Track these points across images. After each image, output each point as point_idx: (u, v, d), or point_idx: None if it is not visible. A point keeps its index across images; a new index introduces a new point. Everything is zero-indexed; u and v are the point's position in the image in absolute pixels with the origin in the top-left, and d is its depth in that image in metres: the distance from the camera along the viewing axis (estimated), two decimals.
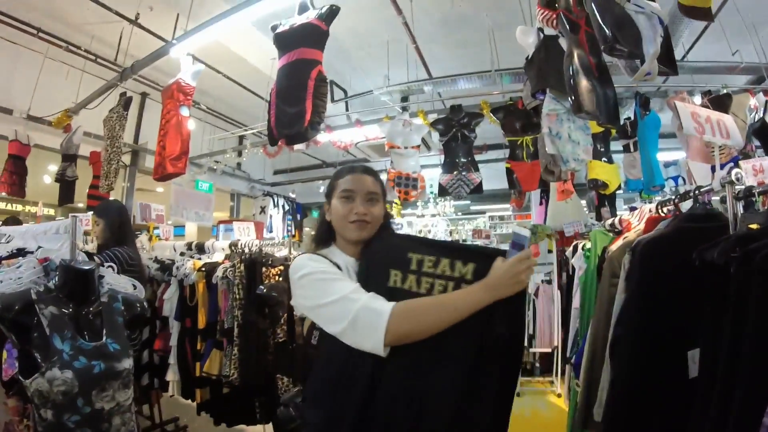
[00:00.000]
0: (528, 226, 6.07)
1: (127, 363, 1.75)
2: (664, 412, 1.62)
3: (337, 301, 1.39)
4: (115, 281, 1.94)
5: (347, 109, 6.26)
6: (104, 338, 1.71)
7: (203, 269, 3.50)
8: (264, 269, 3.27)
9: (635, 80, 2.16)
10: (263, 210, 9.17)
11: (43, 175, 8.06)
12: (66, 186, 5.68)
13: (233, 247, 3.53)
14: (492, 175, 5.15)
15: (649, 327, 1.67)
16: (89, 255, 2.04)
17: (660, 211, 2.23)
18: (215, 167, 7.65)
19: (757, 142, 4.47)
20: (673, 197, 2.14)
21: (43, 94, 5.63)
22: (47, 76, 5.60)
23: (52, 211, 8.96)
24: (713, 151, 4.13)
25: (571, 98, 2.40)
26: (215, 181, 7.54)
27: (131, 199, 6.93)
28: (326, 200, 1.69)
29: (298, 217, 10.06)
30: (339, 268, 1.53)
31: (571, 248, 3.84)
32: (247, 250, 3.38)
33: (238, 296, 3.16)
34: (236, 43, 5.59)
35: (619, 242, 2.36)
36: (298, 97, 3.10)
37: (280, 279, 3.26)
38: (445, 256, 1.48)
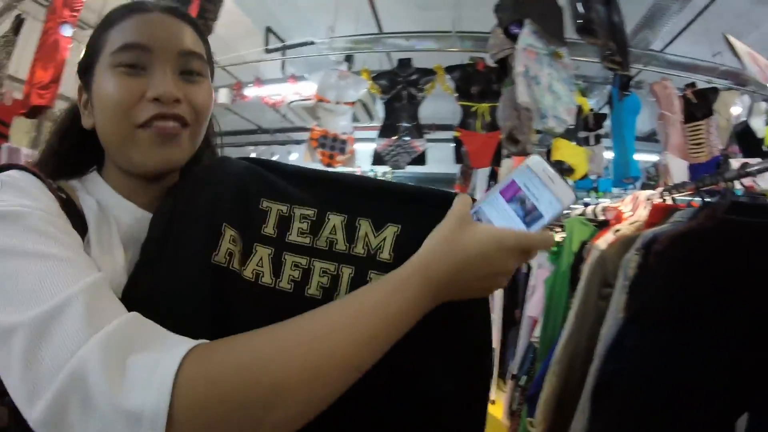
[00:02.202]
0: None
1: None
2: None
3: (16, 331, 0.48)
4: None
5: (283, 64, 5.49)
6: None
7: None
8: None
9: None
10: None
11: None
12: None
13: None
14: (437, 158, 4.58)
15: (671, 369, 1.09)
16: None
17: (668, 198, 1.78)
18: None
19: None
20: (697, 180, 1.68)
21: None
22: None
23: None
24: (694, 148, 3.84)
25: (576, 17, 1.97)
26: None
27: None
28: (80, 78, 0.78)
29: None
30: (80, 218, 0.68)
31: None
32: None
33: None
34: None
35: (608, 236, 1.82)
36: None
37: None
38: (338, 206, 0.74)
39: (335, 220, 0.73)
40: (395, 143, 3.86)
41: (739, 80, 4.96)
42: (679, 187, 1.78)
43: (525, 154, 3.01)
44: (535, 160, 0.67)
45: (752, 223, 1.20)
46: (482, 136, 3.67)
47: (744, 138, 4.25)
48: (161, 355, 0.49)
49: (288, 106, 5.81)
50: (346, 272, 0.72)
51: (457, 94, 3.82)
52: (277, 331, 0.55)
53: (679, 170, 3.73)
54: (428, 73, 3.94)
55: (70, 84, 3.77)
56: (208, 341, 0.52)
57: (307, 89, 4.91)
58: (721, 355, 1.08)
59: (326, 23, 4.94)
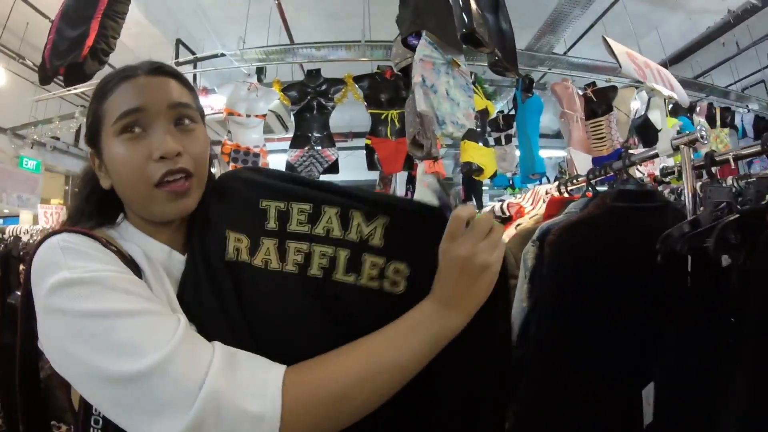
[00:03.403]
0: None
1: None
2: None
3: (147, 376, 0.61)
4: None
5: (195, 77, 5.34)
6: None
7: None
8: (22, 267, 2.27)
9: None
10: None
11: None
12: None
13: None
14: (357, 165, 4.59)
15: (572, 349, 1.15)
16: None
17: (563, 191, 1.84)
18: (44, 141, 6.35)
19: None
20: (590, 174, 1.74)
21: None
22: None
23: None
24: (596, 142, 4.02)
25: (461, 25, 2.02)
26: (45, 158, 6.35)
27: None
28: (90, 146, 0.88)
29: None
30: (135, 265, 0.79)
31: None
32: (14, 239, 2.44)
33: None
34: None
35: (510, 230, 1.89)
36: (83, 17, 2.31)
37: None
38: (331, 202, 0.85)
39: (330, 211, 0.84)
40: (307, 153, 3.82)
41: (639, 79, 5.27)
42: (572, 180, 1.84)
43: (431, 157, 3.08)
44: (428, 181, 0.81)
45: (636, 208, 1.28)
46: (393, 142, 3.69)
47: (643, 130, 4.49)
48: (264, 374, 0.67)
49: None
50: (342, 254, 0.83)
51: (366, 103, 3.84)
52: (341, 356, 0.73)
53: (582, 163, 3.87)
54: (337, 82, 3.93)
55: None
56: (293, 367, 0.70)
57: (218, 102, 4.79)
58: (619, 332, 1.13)
59: (237, 34, 4.87)
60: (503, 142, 4.60)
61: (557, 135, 5.94)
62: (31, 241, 2.46)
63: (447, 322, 0.75)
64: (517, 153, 4.65)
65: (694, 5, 4.92)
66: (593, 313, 1.14)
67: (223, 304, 0.80)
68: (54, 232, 0.75)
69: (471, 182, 4.27)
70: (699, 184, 1.34)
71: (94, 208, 0.88)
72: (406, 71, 3.06)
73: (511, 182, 5.49)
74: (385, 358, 0.72)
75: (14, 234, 2.55)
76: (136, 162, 0.79)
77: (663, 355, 1.08)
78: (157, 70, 0.86)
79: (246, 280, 0.82)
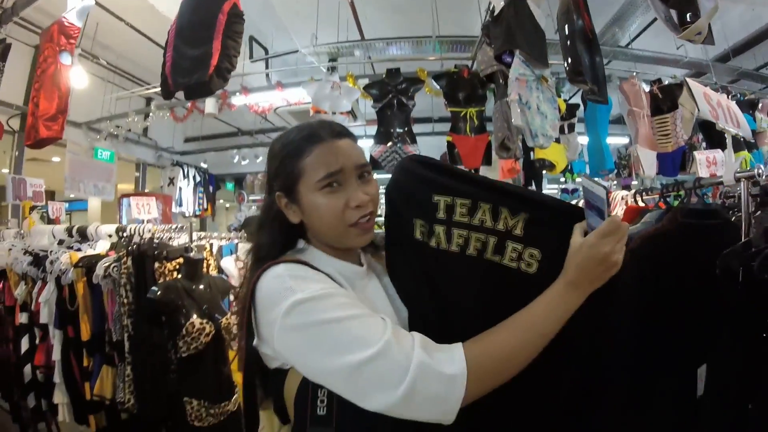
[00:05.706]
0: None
1: None
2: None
3: (374, 359, 0.87)
4: None
5: (267, 69, 5.56)
6: None
7: (81, 265, 2.68)
8: (157, 264, 2.48)
9: (683, 38, 1.98)
10: (172, 182, 8.00)
11: None
12: None
13: (120, 233, 2.82)
14: (423, 152, 4.73)
15: (652, 343, 1.36)
16: None
17: (639, 200, 1.98)
18: (117, 133, 6.53)
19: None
20: (662, 187, 1.87)
21: None
22: None
23: None
24: (661, 139, 4.09)
25: (567, 62, 2.20)
26: (117, 149, 6.65)
27: (20, 172, 5.48)
28: (280, 190, 1.12)
29: (211, 189, 8.87)
30: (334, 282, 1.07)
31: None
32: (137, 237, 2.63)
33: (126, 300, 2.42)
34: None
35: None
36: (203, 37, 2.48)
37: (179, 276, 2.45)
38: (485, 199, 1.09)
39: (484, 206, 1.08)
40: (390, 149, 3.98)
41: (702, 70, 5.25)
42: (648, 191, 1.99)
43: (515, 158, 3.27)
44: (583, 183, 1.06)
45: (702, 224, 1.46)
46: (472, 139, 3.85)
47: (707, 128, 4.52)
48: (450, 350, 0.91)
49: (275, 111, 5.90)
50: (491, 240, 1.08)
51: (445, 101, 3.98)
52: (505, 340, 0.96)
53: (648, 160, 3.96)
54: (416, 81, 4.08)
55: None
56: (466, 342, 0.94)
57: (293, 96, 5.04)
58: (686, 327, 1.33)
59: (305, 31, 5.04)
60: (566, 131, 4.61)
61: (614, 121, 5.98)
62: (158, 241, 2.63)
63: (573, 300, 0.97)
64: (579, 141, 4.77)
65: None
66: (666, 313, 1.33)
67: (415, 272, 1.13)
68: (272, 264, 1.02)
69: (532, 169, 4.41)
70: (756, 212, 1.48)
71: (285, 238, 1.14)
72: (491, 77, 3.27)
73: (569, 167, 5.58)
74: (536, 328, 0.96)
75: (141, 234, 2.67)
76: (338, 209, 1.05)
77: (718, 346, 1.29)
78: (340, 134, 1.11)
79: (426, 255, 1.11)
